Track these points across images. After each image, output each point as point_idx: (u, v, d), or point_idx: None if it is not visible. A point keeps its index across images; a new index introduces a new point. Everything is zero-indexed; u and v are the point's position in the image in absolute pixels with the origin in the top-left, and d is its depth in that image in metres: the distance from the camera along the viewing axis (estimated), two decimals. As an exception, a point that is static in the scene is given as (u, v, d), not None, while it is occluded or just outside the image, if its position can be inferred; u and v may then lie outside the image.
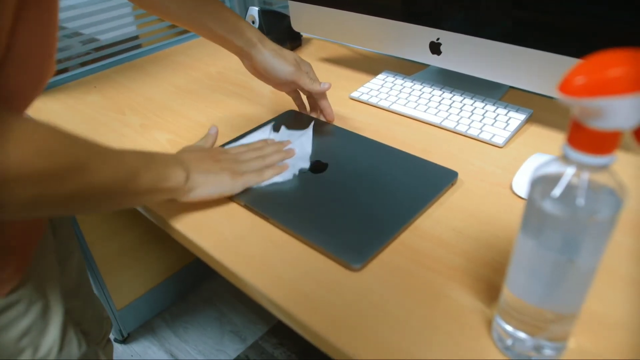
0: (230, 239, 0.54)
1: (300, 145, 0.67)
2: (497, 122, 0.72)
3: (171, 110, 0.84)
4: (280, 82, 0.70)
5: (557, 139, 0.70)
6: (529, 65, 0.67)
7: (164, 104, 0.86)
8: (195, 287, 1.51)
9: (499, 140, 0.68)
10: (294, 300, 0.46)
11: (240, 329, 1.39)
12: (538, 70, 0.67)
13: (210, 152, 0.60)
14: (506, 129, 0.70)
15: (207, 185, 0.55)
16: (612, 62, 0.28)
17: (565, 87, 0.29)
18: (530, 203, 0.34)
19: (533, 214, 0.34)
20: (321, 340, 0.43)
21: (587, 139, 0.30)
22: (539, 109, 0.76)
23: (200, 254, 0.55)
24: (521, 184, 0.59)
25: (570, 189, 0.32)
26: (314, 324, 0.44)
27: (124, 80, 0.96)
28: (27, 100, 0.49)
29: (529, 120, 0.74)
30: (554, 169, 0.33)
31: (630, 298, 0.45)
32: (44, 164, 0.36)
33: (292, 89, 0.74)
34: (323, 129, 0.72)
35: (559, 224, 0.33)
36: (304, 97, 0.78)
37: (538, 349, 0.39)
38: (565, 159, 0.32)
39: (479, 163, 0.65)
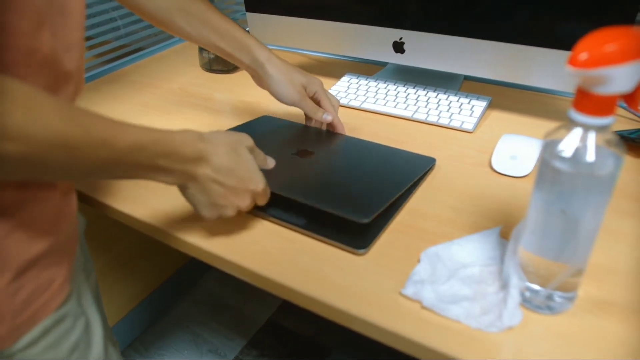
0: (240, 241, 0.56)
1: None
2: (463, 110, 0.78)
3: (143, 128, 0.83)
4: (285, 104, 0.71)
5: (517, 121, 0.77)
6: (487, 55, 0.75)
7: (134, 121, 0.84)
8: (164, 313, 1.47)
9: (469, 126, 0.75)
10: (313, 283, 0.48)
11: (218, 347, 1.36)
12: (495, 58, 0.74)
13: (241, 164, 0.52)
14: (472, 115, 0.77)
15: (194, 199, 0.51)
16: (607, 39, 0.34)
17: (573, 61, 0.34)
18: (543, 164, 0.39)
19: (546, 173, 0.39)
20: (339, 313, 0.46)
21: (591, 103, 0.35)
22: (495, 96, 0.84)
23: (208, 257, 0.56)
24: (500, 162, 0.65)
25: (578, 149, 0.37)
26: (338, 301, 0.46)
27: (85, 102, 0.93)
28: None
29: (489, 106, 0.82)
30: (561, 133, 0.38)
31: (627, 250, 0.52)
32: (31, 130, 0.35)
33: None
34: (305, 131, 0.75)
35: (570, 180, 0.38)
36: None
37: (553, 298, 0.44)
38: (571, 123, 0.37)
39: (456, 148, 0.71)
